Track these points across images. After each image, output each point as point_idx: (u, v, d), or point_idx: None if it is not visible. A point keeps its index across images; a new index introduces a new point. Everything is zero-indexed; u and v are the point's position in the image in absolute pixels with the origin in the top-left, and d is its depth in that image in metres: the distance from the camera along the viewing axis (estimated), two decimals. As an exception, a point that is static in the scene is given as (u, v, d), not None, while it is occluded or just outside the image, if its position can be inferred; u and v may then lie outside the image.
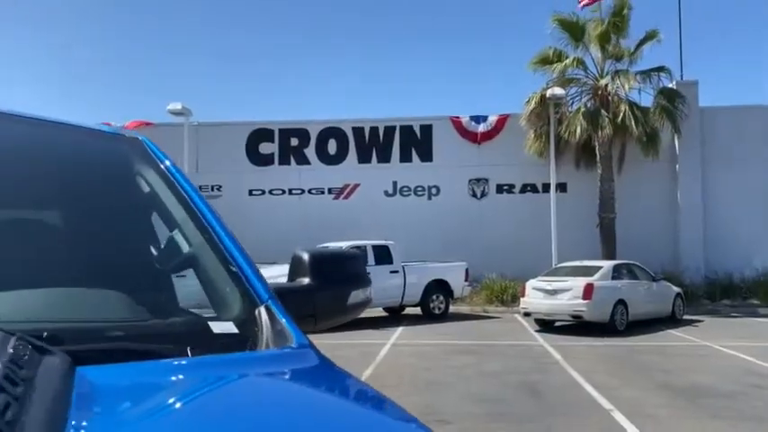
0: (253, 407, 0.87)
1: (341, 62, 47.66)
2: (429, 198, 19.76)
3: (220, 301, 1.19)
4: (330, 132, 20.03)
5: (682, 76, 19.16)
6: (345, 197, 19.77)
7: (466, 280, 15.73)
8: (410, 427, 0.92)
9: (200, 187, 16.16)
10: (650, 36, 17.40)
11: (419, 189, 19.76)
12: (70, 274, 1.16)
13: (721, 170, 18.42)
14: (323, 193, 19.91)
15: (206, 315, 1.17)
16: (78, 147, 1.49)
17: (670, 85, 17.97)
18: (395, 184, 19.72)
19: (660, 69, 17.31)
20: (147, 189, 1.42)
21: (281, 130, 20.20)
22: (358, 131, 19.94)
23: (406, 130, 19.81)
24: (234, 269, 1.21)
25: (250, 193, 19.96)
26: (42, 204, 1.37)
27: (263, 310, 1.13)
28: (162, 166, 1.45)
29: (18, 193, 1.32)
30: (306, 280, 1.48)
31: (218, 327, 1.05)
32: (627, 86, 16.76)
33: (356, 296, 1.58)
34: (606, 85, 17.16)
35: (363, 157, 19.84)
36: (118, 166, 1.47)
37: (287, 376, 1.02)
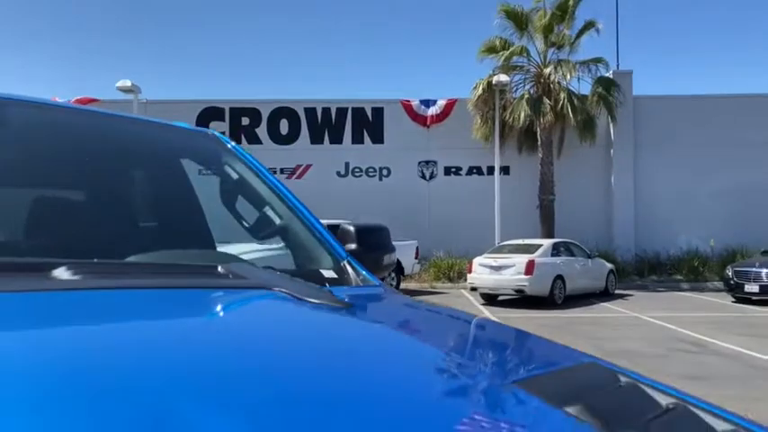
0: (401, 311, 1.37)
1: (295, 45, 47.25)
2: (380, 179, 20.30)
3: (313, 260, 1.66)
4: (282, 112, 20.20)
5: (618, 65, 20.32)
6: (298, 177, 20.05)
7: (416, 258, 16.41)
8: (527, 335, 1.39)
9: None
10: (589, 25, 18.38)
11: (371, 170, 20.27)
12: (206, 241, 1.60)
13: (652, 156, 19.77)
14: (275, 172, 20.00)
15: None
16: (175, 140, 1.91)
17: (607, 75, 19.06)
18: (347, 164, 20.16)
19: (598, 60, 18.35)
20: (235, 176, 1.86)
21: (231, 109, 20.22)
22: (310, 112, 20.20)
23: (358, 113, 20.22)
24: (318, 236, 1.69)
25: (200, 172, 19.90)
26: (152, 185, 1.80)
27: (346, 263, 1.60)
28: (244, 158, 1.89)
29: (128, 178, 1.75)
30: (353, 246, 1.96)
31: (326, 274, 1.52)
32: (568, 76, 17.71)
33: (388, 259, 2.07)
34: (549, 74, 18.06)
35: (316, 138, 20.14)
36: (211, 157, 1.91)
37: (400, 298, 1.52)
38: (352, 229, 2.00)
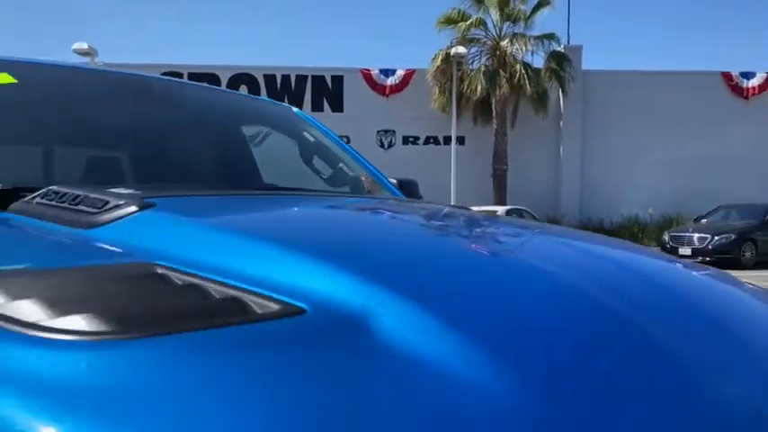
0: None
1: (255, 11, 46.31)
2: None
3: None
4: (241, 79, 20.22)
5: (569, 40, 21.20)
6: (257, 144, 20.18)
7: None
8: None
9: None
10: (544, 2, 19.12)
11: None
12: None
13: (599, 128, 20.86)
14: (235, 139, 20.21)
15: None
16: (264, 111, 2.40)
17: (558, 49, 19.91)
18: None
19: (551, 36, 19.18)
20: (312, 140, 2.37)
21: (190, 74, 20.05)
22: (270, 79, 20.29)
23: (318, 81, 20.44)
24: (381, 184, 2.23)
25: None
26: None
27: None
28: (315, 126, 2.40)
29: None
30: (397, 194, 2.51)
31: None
32: (523, 49, 18.46)
33: (420, 205, 2.64)
34: (505, 48, 18.75)
35: (275, 106, 20.30)
36: (292, 124, 2.41)
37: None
38: (395, 181, 2.55)
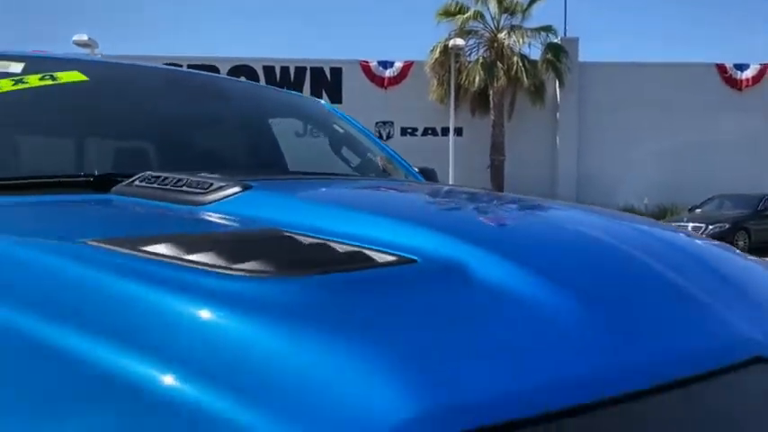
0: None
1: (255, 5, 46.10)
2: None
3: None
4: (240, 70, 20.27)
5: (565, 32, 21.37)
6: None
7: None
8: None
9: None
10: (540, -5, 19.31)
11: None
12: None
13: (595, 119, 21.06)
14: (234, 131, 20.32)
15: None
16: (296, 104, 2.58)
17: (555, 41, 20.07)
18: (305, 124, 20.55)
19: (548, 29, 19.34)
20: (341, 131, 2.55)
21: (189, 66, 20.10)
22: (269, 71, 20.38)
23: (317, 72, 20.55)
24: (405, 171, 2.41)
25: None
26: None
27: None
28: (343, 119, 2.58)
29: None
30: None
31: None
32: (521, 41, 18.62)
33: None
34: (503, 40, 18.91)
35: (274, 97, 20.41)
36: (322, 117, 2.59)
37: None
38: (416, 169, 2.74)
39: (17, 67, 1.73)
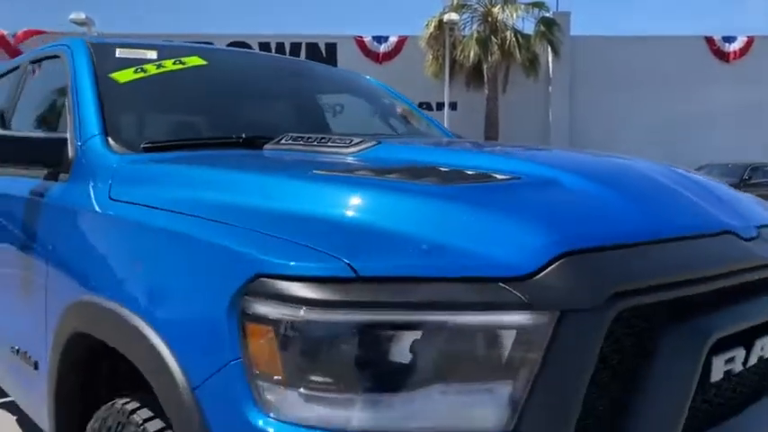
0: None
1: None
2: (334, 115, 21.02)
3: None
4: (236, 47, 20.45)
5: (557, 6, 21.69)
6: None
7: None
8: None
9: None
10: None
11: (325, 105, 21.03)
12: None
13: (587, 91, 21.51)
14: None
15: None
16: (353, 79, 3.03)
17: (548, 15, 20.41)
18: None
19: (540, 5, 19.70)
20: (388, 101, 3.00)
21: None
22: (264, 47, 20.54)
23: (312, 48, 20.80)
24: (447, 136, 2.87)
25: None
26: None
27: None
28: (390, 92, 3.02)
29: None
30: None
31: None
32: (514, 15, 18.95)
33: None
34: (496, 14, 19.22)
35: (271, 73, 20.67)
36: (374, 91, 3.03)
37: None
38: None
39: (153, 54, 2.17)
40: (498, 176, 1.23)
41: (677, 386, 0.99)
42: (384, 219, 1.01)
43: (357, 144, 1.56)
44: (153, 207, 1.29)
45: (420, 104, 21.24)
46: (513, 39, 18.92)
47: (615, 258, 1.00)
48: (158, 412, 1.16)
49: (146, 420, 1.19)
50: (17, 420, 2.88)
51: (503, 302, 0.89)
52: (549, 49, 20.02)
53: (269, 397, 0.92)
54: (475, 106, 20.36)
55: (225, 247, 1.03)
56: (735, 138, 21.09)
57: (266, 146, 1.75)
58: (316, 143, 1.64)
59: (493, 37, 19.11)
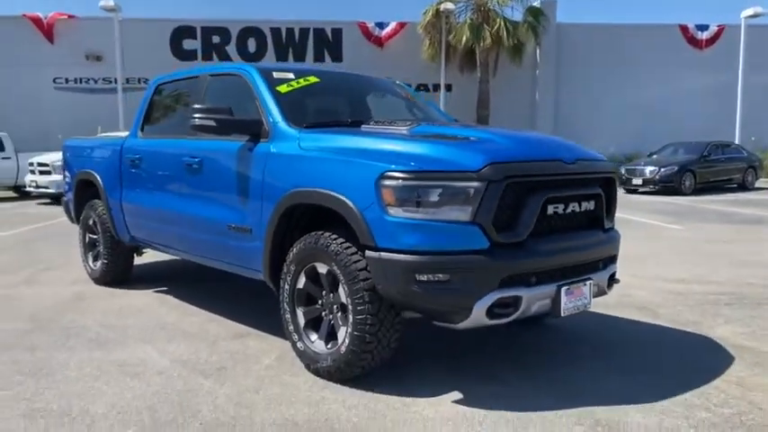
0: None
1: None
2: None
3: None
4: (250, 32, 22.13)
5: (545, -5, 23.39)
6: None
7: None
8: None
9: (128, 80, 17.94)
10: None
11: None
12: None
13: (571, 76, 23.36)
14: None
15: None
16: (386, 85, 4.92)
17: (535, 4, 22.14)
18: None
19: (528, -5, 21.43)
20: (403, 94, 4.88)
21: (203, 28, 21.93)
22: (275, 32, 22.24)
23: (319, 33, 22.48)
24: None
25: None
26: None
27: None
28: (411, 90, 4.91)
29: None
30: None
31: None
32: (502, 3, 20.70)
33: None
34: (487, 2, 20.96)
35: (281, 56, 22.35)
36: (399, 90, 4.91)
37: None
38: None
39: (291, 75, 4.05)
40: (471, 138, 3.14)
41: (530, 213, 2.91)
42: (423, 151, 2.93)
43: (407, 125, 3.46)
44: (322, 149, 3.19)
45: (418, 86, 23.11)
46: (503, 26, 20.68)
47: (509, 164, 2.91)
48: (338, 232, 3.07)
49: (331, 234, 3.09)
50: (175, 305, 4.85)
51: (469, 178, 2.80)
52: (535, 37, 21.79)
53: (390, 210, 2.82)
54: (468, 88, 22.18)
55: (367, 163, 2.93)
56: (706, 118, 23.04)
57: (363, 126, 3.64)
58: (386, 124, 3.54)
59: (485, 24, 20.86)
